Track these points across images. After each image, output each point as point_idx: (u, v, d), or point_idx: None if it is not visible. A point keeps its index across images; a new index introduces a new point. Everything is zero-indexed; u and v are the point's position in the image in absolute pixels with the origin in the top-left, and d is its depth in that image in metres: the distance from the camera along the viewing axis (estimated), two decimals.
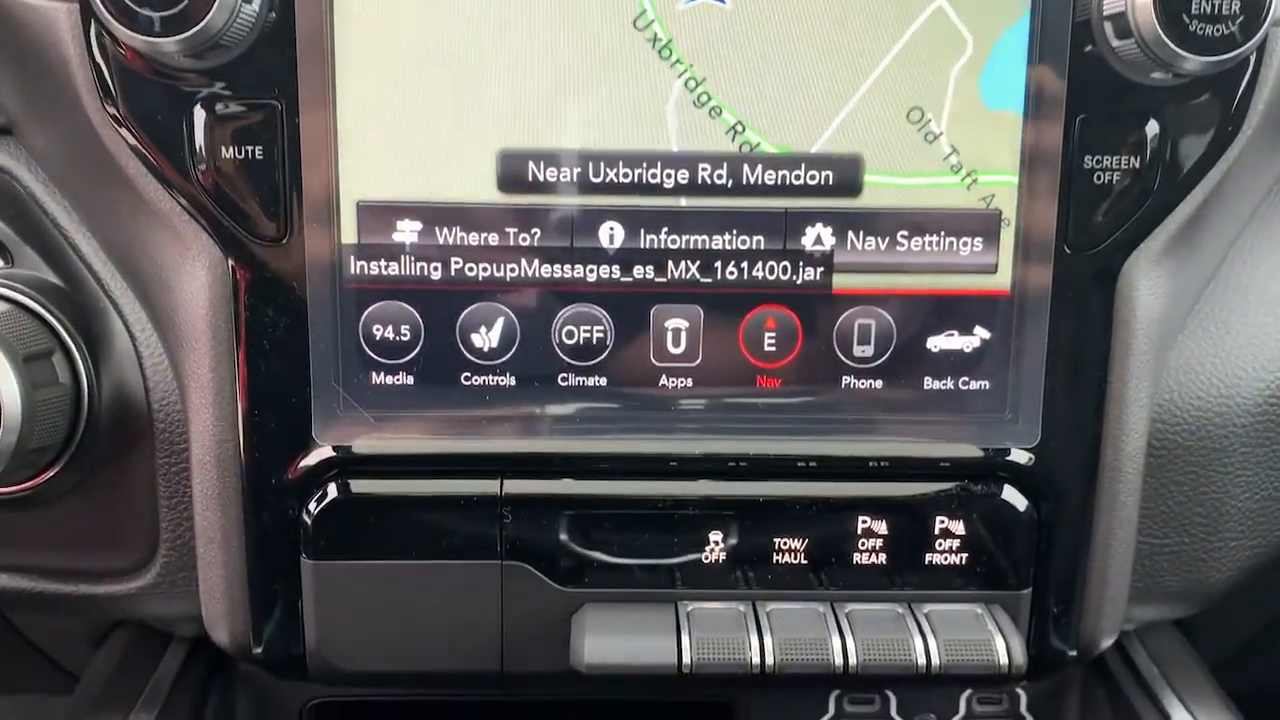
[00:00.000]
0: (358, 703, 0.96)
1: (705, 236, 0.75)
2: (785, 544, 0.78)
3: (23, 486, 0.78)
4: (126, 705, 0.88)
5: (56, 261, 0.81)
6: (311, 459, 0.76)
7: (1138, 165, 0.74)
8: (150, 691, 0.89)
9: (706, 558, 0.78)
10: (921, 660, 0.75)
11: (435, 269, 0.75)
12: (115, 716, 0.87)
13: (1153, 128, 0.73)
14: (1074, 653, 0.82)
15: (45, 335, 0.77)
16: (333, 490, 0.76)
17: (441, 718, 1.03)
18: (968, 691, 0.96)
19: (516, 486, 0.77)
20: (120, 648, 0.97)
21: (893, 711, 0.96)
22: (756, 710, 0.95)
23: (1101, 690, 0.94)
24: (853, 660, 0.75)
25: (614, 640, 0.76)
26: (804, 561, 0.79)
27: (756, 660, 0.74)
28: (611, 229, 0.75)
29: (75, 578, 0.84)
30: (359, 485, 0.77)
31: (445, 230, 0.74)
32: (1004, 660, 0.75)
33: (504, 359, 0.76)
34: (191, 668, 0.92)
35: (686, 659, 0.74)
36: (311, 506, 0.76)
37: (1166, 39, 0.68)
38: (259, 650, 0.80)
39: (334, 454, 0.76)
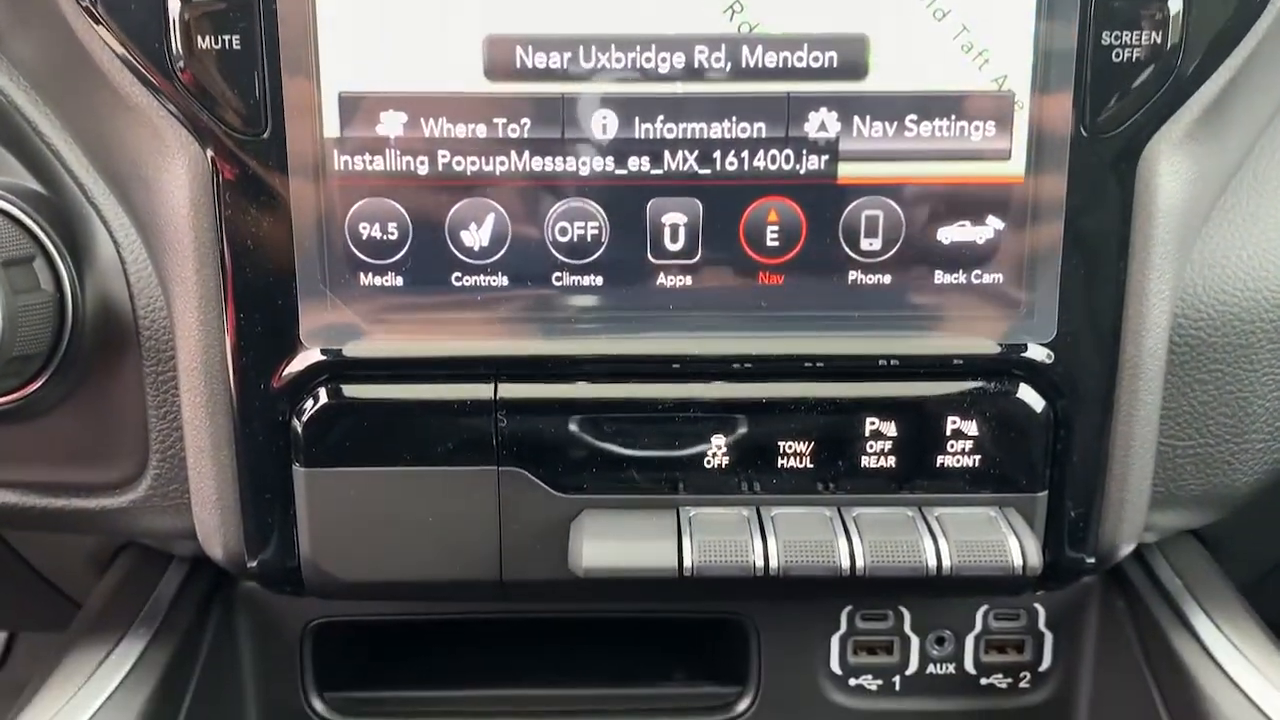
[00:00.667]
0: (359, 623, 0.94)
1: (703, 125, 0.71)
2: (790, 447, 0.76)
3: (9, 398, 0.77)
4: (124, 625, 0.87)
5: (38, 169, 0.78)
6: (300, 363, 0.74)
7: (1159, 41, 0.70)
8: (148, 610, 0.88)
9: (709, 462, 0.76)
10: (932, 562, 0.72)
11: (422, 163, 0.72)
12: (113, 636, 0.86)
13: (1175, 1, 0.69)
14: (1092, 560, 0.79)
15: (26, 241, 0.75)
16: (323, 395, 0.74)
17: (446, 639, 1.01)
18: (984, 607, 0.93)
19: (511, 390, 0.75)
20: (122, 571, 0.96)
21: (906, 627, 0.94)
22: (767, 626, 0.93)
23: (1122, 602, 0.91)
24: (860, 563, 0.72)
25: (613, 544, 0.73)
26: (810, 465, 0.76)
27: (760, 563, 0.72)
28: (604, 118, 0.71)
29: (66, 492, 0.82)
30: (350, 390, 0.75)
31: (431, 122, 0.71)
32: (1018, 562, 0.72)
33: (495, 258, 0.73)
34: (191, 587, 0.91)
35: (687, 561, 0.72)
36: (302, 412, 0.74)
37: None
38: (253, 564, 0.79)
39: (323, 358, 0.74)
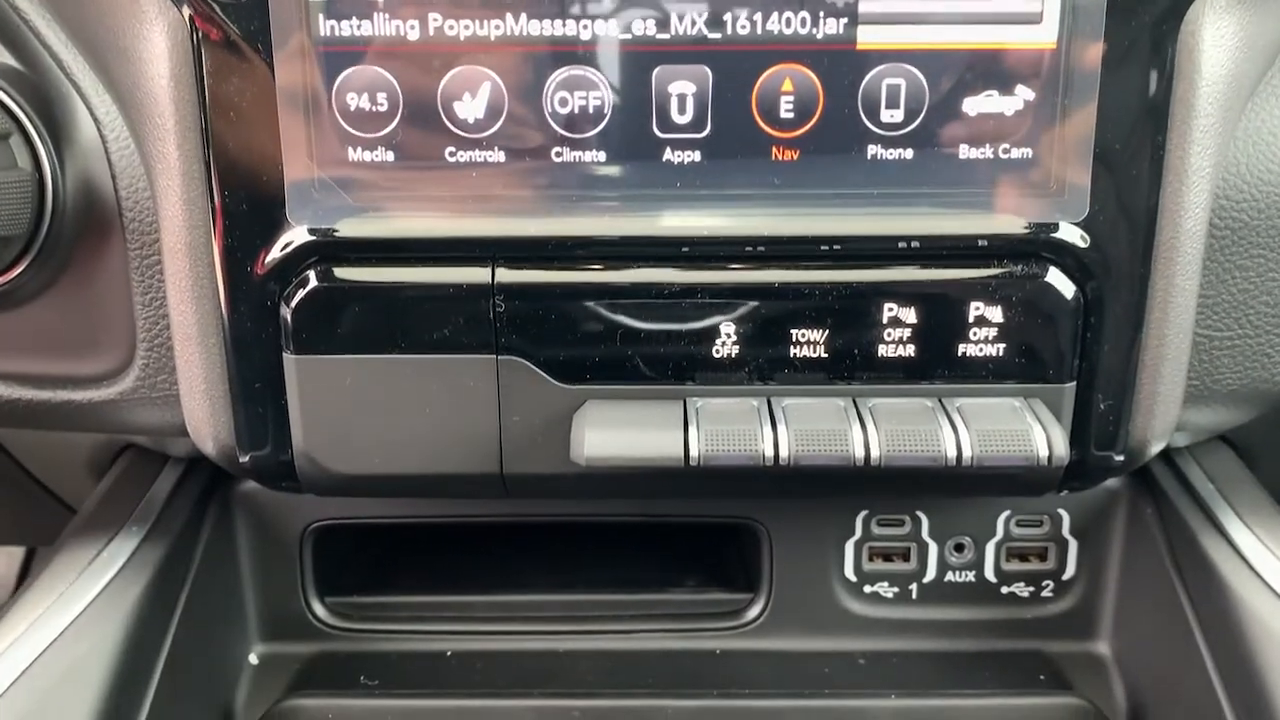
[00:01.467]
0: (360, 526, 0.92)
1: None
2: (804, 335, 0.72)
3: None
4: (117, 524, 0.85)
5: (15, 45, 0.75)
6: (288, 243, 0.70)
7: None
8: (142, 510, 0.86)
9: (718, 350, 0.72)
10: (951, 452, 0.68)
11: (412, 28, 0.67)
12: (105, 534, 0.84)
13: None
14: (1120, 458, 0.76)
15: (1, 117, 0.72)
16: (312, 278, 0.71)
17: (450, 545, 0.99)
18: (1005, 512, 0.90)
19: (510, 273, 0.71)
20: (118, 474, 0.94)
21: (924, 534, 0.90)
22: (779, 532, 0.90)
23: (1150, 508, 0.88)
24: (874, 453, 0.68)
25: (617, 434, 0.70)
26: (824, 354, 0.72)
27: (770, 453, 0.68)
28: None
29: (53, 384, 0.79)
30: (340, 272, 0.71)
31: None
32: (1043, 453, 0.68)
33: (491, 131, 0.69)
34: (186, 487, 0.89)
35: (694, 451, 0.69)
36: (291, 296, 0.71)
37: None
38: (246, 459, 0.76)
39: (312, 238, 0.70)
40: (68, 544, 0.84)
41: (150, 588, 0.80)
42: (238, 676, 0.91)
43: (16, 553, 1.96)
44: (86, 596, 0.77)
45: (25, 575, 1.97)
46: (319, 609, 0.93)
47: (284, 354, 0.72)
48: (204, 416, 0.75)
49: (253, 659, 0.92)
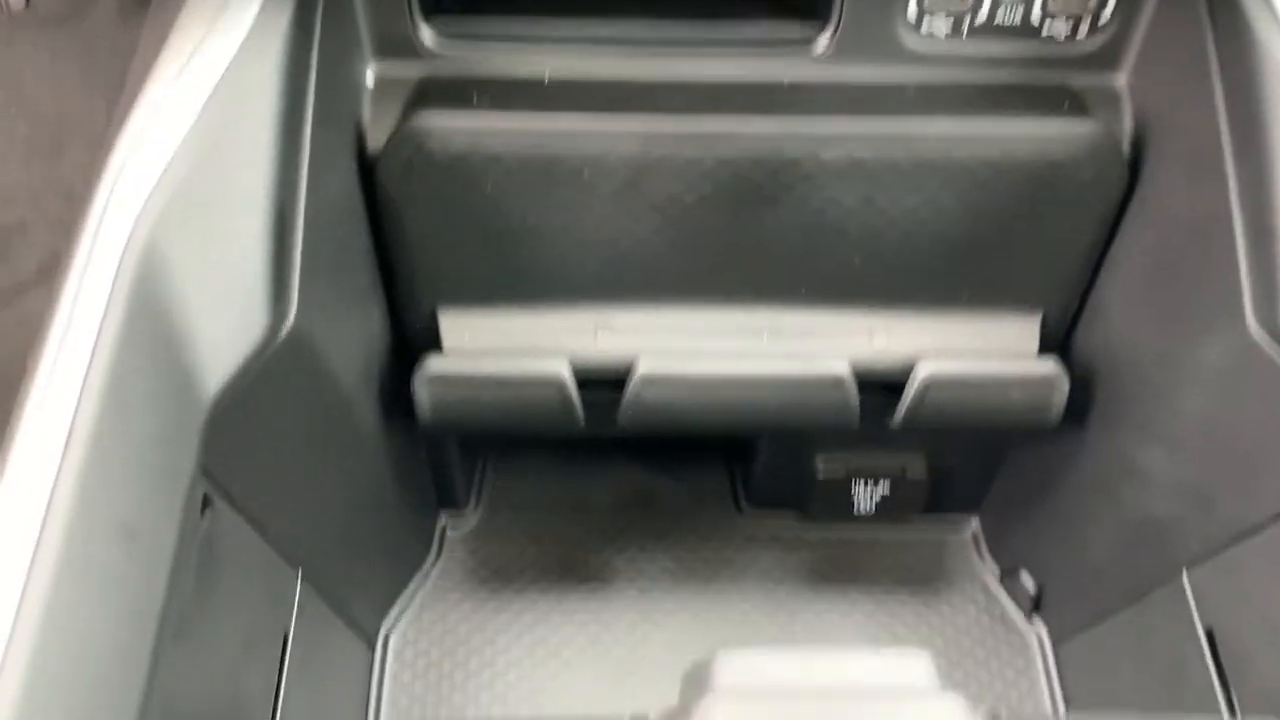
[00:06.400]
0: None
1: None
2: None
3: None
4: None
5: None
6: None
7: None
8: None
9: None
10: None
11: None
12: None
13: None
14: None
15: None
16: None
17: None
18: None
19: None
20: None
21: None
22: None
23: None
24: None
25: None
26: None
27: None
28: None
29: None
30: None
31: None
32: None
33: None
34: None
35: None
36: None
37: None
38: None
39: None
40: None
41: (294, 16, 0.87)
42: (362, 96, 1.01)
43: None
44: (245, 23, 0.85)
45: None
46: (425, 32, 1.01)
47: None
48: None
49: (369, 81, 1.02)
